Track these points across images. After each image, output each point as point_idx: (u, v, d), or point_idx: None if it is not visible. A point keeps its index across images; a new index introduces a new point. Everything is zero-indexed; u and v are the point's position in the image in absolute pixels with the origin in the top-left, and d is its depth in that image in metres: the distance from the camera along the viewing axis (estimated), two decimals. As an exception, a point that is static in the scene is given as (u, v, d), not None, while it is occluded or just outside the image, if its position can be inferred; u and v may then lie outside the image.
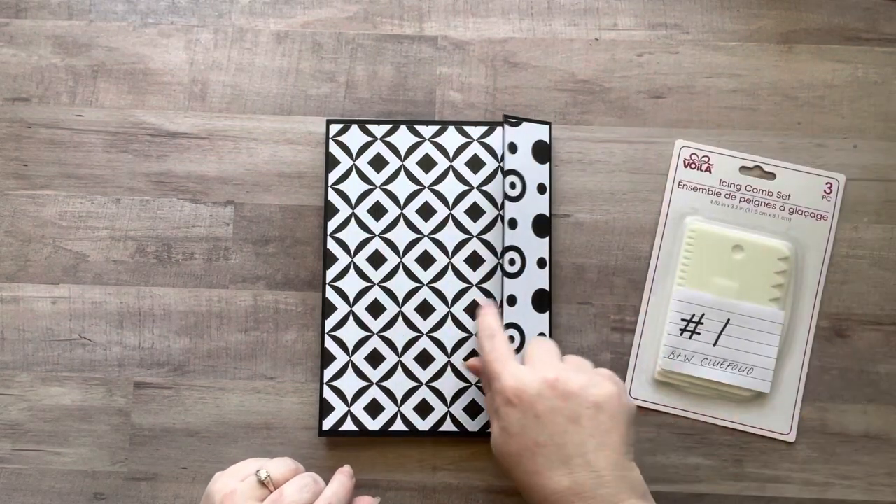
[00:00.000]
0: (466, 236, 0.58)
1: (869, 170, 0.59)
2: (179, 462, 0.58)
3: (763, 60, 0.60)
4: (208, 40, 0.61)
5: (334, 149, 0.58)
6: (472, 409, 0.57)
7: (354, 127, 0.58)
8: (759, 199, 0.58)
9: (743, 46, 0.60)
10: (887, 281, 0.59)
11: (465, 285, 0.57)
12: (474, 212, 0.58)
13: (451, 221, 0.58)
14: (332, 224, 0.58)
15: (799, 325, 0.58)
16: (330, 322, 0.57)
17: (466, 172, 0.58)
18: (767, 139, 0.59)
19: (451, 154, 0.58)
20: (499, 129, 0.58)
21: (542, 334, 0.57)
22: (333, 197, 0.58)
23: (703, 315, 0.57)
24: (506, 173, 0.56)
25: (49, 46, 0.61)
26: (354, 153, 0.58)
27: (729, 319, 0.57)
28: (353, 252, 0.58)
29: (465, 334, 0.57)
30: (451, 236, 0.58)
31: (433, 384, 0.57)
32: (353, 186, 0.58)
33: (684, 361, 0.57)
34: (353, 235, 0.58)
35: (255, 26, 0.61)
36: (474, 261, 0.58)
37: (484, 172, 0.58)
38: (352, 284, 0.58)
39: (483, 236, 0.58)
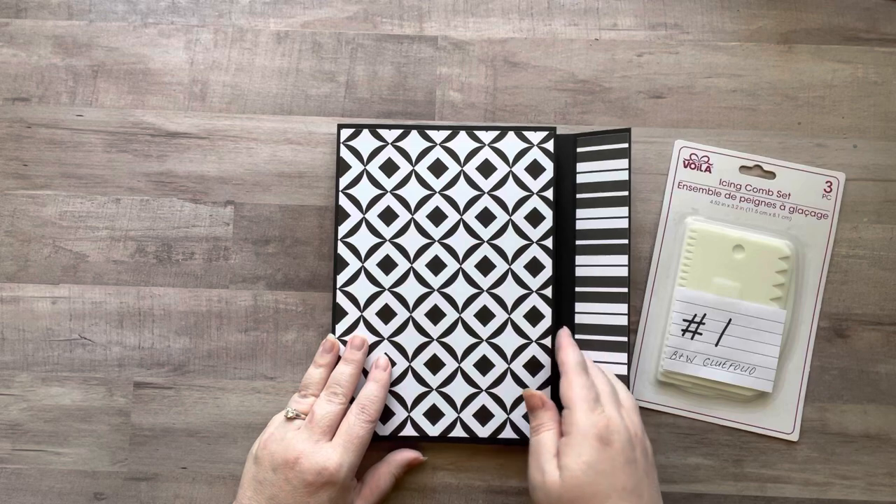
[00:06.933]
0: (477, 241, 0.57)
1: (869, 170, 0.59)
2: (179, 462, 0.58)
3: (763, 60, 0.60)
4: (208, 40, 0.61)
5: (345, 153, 0.58)
6: (483, 415, 0.56)
7: (366, 132, 0.58)
8: (760, 199, 0.58)
9: (743, 46, 0.60)
10: (887, 281, 0.59)
11: (476, 290, 0.57)
12: (485, 217, 0.57)
13: (461, 227, 0.57)
14: (343, 229, 0.57)
15: (800, 324, 0.58)
16: (341, 326, 0.57)
17: (477, 177, 0.57)
18: (767, 139, 0.59)
19: (462, 159, 0.57)
20: (510, 133, 0.57)
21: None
22: (344, 201, 0.58)
23: (704, 315, 0.57)
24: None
25: (49, 46, 0.61)
26: (365, 158, 0.58)
27: (731, 319, 0.57)
28: (363, 257, 0.57)
29: (474, 340, 0.57)
30: (461, 241, 0.57)
31: (443, 389, 0.57)
32: (364, 191, 0.58)
33: (686, 362, 0.57)
34: (363, 240, 0.57)
35: (255, 26, 0.61)
36: (485, 266, 0.57)
37: (495, 177, 0.57)
38: (362, 289, 0.57)
39: (494, 241, 0.57)
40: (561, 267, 0.57)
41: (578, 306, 0.57)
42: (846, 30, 0.60)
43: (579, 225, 0.57)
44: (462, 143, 0.58)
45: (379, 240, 0.57)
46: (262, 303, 0.59)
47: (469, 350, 0.57)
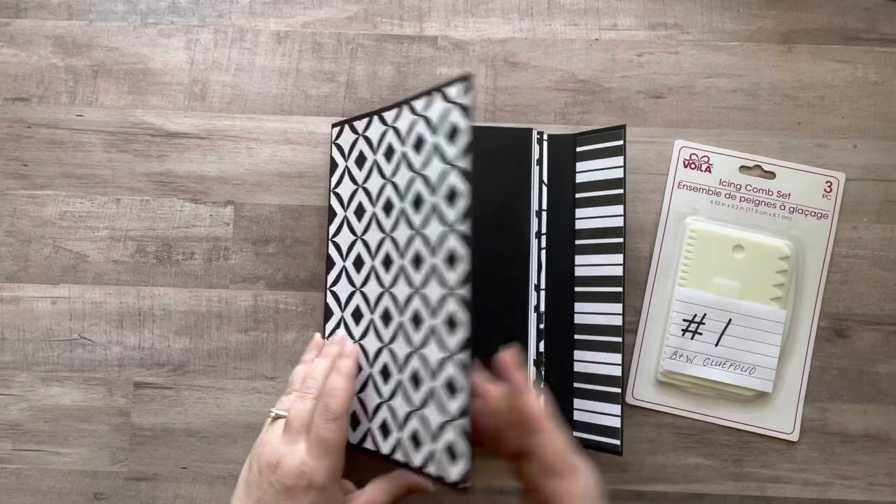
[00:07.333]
0: (412, 232, 0.49)
1: (869, 170, 0.59)
2: (179, 462, 0.58)
3: (763, 60, 0.60)
4: (208, 40, 0.61)
5: (334, 152, 0.58)
6: (416, 439, 0.48)
7: (346, 127, 0.57)
8: (760, 199, 0.58)
9: (743, 46, 0.60)
10: (887, 281, 0.59)
11: (412, 290, 0.49)
12: (417, 202, 0.48)
13: (402, 217, 0.50)
14: (332, 228, 0.57)
15: (800, 324, 0.58)
16: (329, 326, 0.57)
17: (413, 156, 0.49)
18: (767, 139, 0.59)
19: (403, 137, 0.50)
20: (436, 95, 0.47)
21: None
22: (333, 201, 0.57)
23: (704, 315, 0.57)
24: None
25: (49, 46, 0.61)
26: (346, 154, 0.57)
27: (731, 319, 0.57)
28: (345, 255, 0.56)
29: (409, 348, 0.49)
30: (403, 234, 0.50)
31: (391, 402, 0.50)
32: (346, 188, 0.56)
33: (686, 362, 0.57)
34: (345, 239, 0.56)
35: (255, 26, 0.61)
36: (417, 261, 0.48)
37: (425, 153, 0.48)
38: (343, 289, 0.56)
39: (423, 230, 0.48)
40: (562, 268, 0.57)
41: (577, 306, 0.56)
42: (846, 30, 0.60)
43: (578, 224, 0.57)
44: (404, 121, 0.50)
45: (354, 237, 0.55)
46: (262, 303, 0.59)
47: (407, 360, 0.49)
